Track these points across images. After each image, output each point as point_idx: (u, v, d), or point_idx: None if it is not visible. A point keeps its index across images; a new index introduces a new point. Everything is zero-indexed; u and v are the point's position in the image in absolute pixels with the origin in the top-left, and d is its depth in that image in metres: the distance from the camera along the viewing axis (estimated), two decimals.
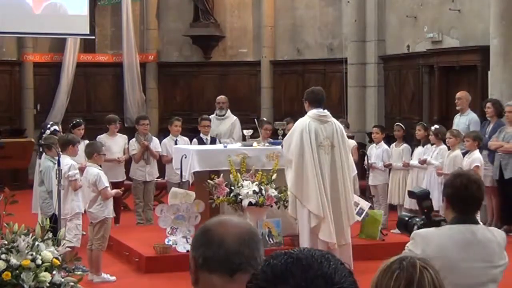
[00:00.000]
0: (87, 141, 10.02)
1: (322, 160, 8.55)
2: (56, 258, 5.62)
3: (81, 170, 9.05)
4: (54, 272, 5.59)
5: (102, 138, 11.47)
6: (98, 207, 8.75)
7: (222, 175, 9.59)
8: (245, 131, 11.05)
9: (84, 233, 9.19)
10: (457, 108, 11.97)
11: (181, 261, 8.22)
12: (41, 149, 9.59)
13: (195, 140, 11.99)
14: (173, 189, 9.92)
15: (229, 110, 13.30)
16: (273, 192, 9.36)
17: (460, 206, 4.14)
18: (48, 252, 5.62)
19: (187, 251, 8.24)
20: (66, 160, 8.63)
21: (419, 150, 11.56)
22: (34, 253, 5.58)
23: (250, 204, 9.24)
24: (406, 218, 4.56)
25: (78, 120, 11.43)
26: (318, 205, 8.42)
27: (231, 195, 9.35)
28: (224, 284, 2.25)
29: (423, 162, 11.19)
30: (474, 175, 4.40)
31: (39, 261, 5.55)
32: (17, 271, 5.49)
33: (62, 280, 5.62)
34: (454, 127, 11.57)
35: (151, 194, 11.99)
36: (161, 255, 9.21)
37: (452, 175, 4.39)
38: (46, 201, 9.00)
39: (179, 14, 18.09)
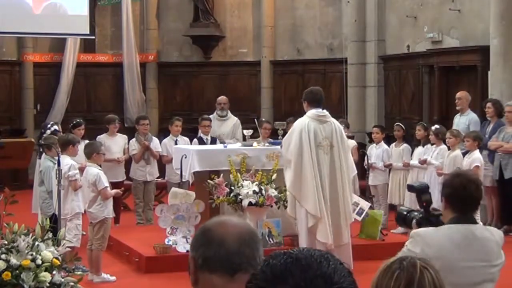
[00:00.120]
0: (87, 141, 10.01)
1: (321, 160, 8.55)
2: (56, 258, 5.63)
3: (81, 170, 9.05)
4: (54, 272, 5.59)
5: (102, 138, 11.45)
6: (97, 207, 8.75)
7: (222, 175, 9.59)
8: (245, 131, 11.05)
9: (84, 233, 9.19)
10: (457, 108, 11.97)
11: (181, 261, 8.20)
12: (41, 149, 9.58)
13: (195, 140, 12.00)
14: (173, 189, 9.92)
15: (229, 111, 13.31)
16: (273, 192, 9.36)
17: (459, 206, 4.14)
18: (48, 252, 5.62)
19: (187, 251, 8.22)
20: (66, 160, 8.63)
21: (419, 150, 11.56)
22: (34, 253, 5.58)
23: (250, 204, 9.24)
24: (405, 212, 4.56)
25: (78, 120, 11.42)
26: (316, 205, 8.41)
27: (231, 195, 9.35)
28: (225, 284, 2.25)
29: (423, 162, 11.19)
30: (472, 175, 4.42)
31: (39, 261, 5.55)
32: (17, 271, 5.49)
33: (62, 280, 5.62)
34: (454, 127, 11.57)
35: (151, 194, 11.98)
36: (161, 255, 9.21)
37: (450, 175, 4.40)
38: (46, 201, 8.99)
39: (179, 14, 18.08)
